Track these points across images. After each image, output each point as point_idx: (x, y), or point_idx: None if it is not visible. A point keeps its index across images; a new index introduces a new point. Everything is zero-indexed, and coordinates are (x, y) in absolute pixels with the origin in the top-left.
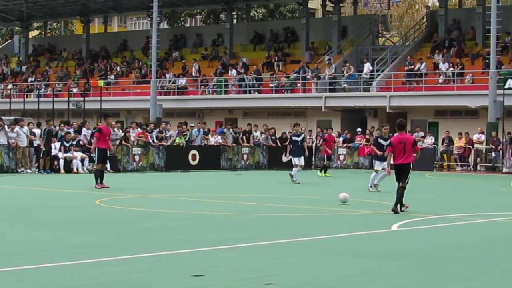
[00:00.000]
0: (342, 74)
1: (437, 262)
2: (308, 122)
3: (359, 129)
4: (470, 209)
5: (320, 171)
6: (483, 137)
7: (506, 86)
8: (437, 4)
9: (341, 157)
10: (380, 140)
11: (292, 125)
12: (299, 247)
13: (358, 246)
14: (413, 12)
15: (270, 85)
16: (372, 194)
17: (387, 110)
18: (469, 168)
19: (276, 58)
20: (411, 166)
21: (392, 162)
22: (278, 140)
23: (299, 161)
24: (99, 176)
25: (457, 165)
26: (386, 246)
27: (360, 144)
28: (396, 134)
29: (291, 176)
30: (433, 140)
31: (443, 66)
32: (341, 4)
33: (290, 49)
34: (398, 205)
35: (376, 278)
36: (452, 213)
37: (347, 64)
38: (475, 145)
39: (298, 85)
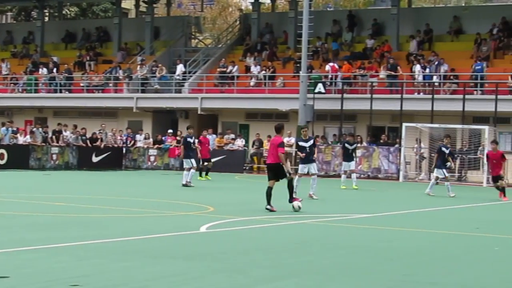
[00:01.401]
0: (154, 75)
1: (244, 263)
2: (119, 123)
3: (170, 131)
4: (278, 211)
5: (200, 174)
6: (292, 140)
7: (316, 90)
8: (250, 7)
9: (152, 158)
10: (301, 143)
11: (188, 128)
12: (108, 248)
13: (167, 248)
14: (226, 15)
15: (81, 84)
16: (183, 196)
17: (199, 112)
18: None
19: (88, 58)
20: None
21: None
22: (88, 140)
23: (194, 163)
24: None
25: None
26: (195, 248)
27: (171, 145)
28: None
29: (186, 180)
30: (243, 142)
31: (255, 69)
32: (154, 5)
33: (102, 48)
34: (292, 199)
35: (184, 280)
36: (260, 215)
37: (159, 65)
38: (285, 148)
39: (110, 85)
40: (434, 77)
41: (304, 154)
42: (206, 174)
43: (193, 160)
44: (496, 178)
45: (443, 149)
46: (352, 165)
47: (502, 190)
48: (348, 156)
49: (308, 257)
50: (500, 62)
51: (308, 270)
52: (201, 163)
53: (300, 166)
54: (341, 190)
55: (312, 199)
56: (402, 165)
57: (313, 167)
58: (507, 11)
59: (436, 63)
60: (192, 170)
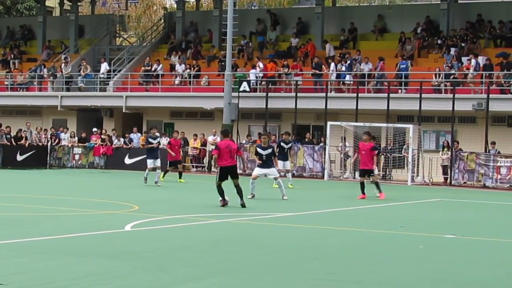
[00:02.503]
0: (79, 74)
1: (168, 262)
2: (44, 121)
3: (95, 129)
4: (203, 209)
5: (163, 176)
6: (218, 139)
7: (241, 89)
8: (175, 6)
9: (76, 157)
10: (259, 150)
11: (152, 128)
12: (31, 247)
13: (91, 246)
14: (150, 13)
15: (6, 83)
16: (108, 194)
17: (124, 110)
18: (203, 169)
19: (12, 56)
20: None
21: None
22: (12, 139)
23: (156, 163)
24: None
25: (192, 166)
26: (119, 246)
27: (96, 144)
28: (222, 140)
29: (145, 178)
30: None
31: (179, 68)
32: (78, 3)
33: (27, 47)
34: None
35: (108, 279)
36: (185, 213)
37: (84, 64)
38: (210, 146)
39: (34, 83)
40: (348, 76)
41: (260, 162)
42: (180, 177)
43: (152, 161)
44: (365, 172)
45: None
46: (287, 164)
47: (376, 186)
48: (283, 155)
49: (231, 256)
50: (424, 61)
51: (231, 269)
52: (168, 165)
53: (256, 169)
54: (268, 189)
55: (283, 200)
56: (327, 163)
57: (273, 172)
58: (431, 11)
59: (349, 62)
60: (147, 171)
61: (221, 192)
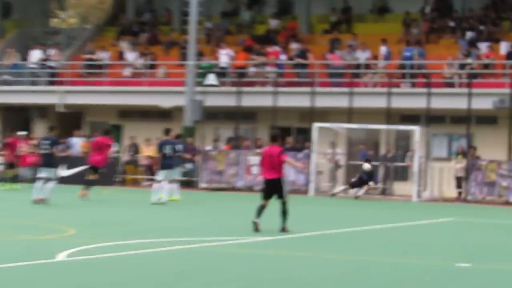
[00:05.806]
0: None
1: None
2: None
3: (22, 132)
4: (164, 233)
5: None
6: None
7: (207, 82)
8: None
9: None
10: None
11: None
12: None
13: (16, 281)
14: None
15: None
16: (36, 215)
17: (59, 110)
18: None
19: None
20: None
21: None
22: None
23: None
24: None
25: (145, 179)
26: (50, 282)
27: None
28: (267, 146)
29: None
30: (115, 148)
31: (130, 56)
32: None
33: None
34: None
35: None
36: (137, 238)
37: (10, 50)
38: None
39: None
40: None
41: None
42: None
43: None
44: None
45: None
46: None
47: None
48: None
49: None
50: (434, 48)
51: None
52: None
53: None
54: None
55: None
56: (312, 175)
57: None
58: None
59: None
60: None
61: (259, 210)
